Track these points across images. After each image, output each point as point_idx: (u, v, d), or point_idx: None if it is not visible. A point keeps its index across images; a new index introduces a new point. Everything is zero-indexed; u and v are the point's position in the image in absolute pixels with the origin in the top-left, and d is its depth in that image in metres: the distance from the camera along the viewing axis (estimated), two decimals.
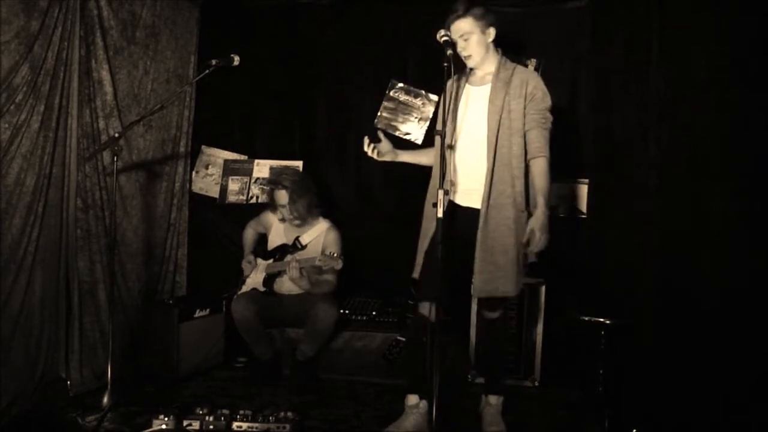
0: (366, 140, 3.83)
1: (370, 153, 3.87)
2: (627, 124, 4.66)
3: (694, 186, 3.98)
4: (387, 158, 3.93)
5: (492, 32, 3.75)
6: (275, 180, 4.99)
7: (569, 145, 5.31)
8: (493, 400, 3.97)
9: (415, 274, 3.81)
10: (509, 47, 5.30)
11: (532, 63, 5.32)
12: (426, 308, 3.75)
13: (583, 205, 5.23)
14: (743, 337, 3.69)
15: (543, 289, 4.79)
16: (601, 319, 4.11)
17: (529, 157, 3.72)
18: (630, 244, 4.54)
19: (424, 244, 3.79)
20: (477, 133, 3.71)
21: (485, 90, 3.75)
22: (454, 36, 3.66)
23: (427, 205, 3.79)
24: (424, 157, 4.06)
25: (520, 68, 3.83)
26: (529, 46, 5.35)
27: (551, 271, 4.90)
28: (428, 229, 3.74)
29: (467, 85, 3.81)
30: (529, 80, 3.75)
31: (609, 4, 4.91)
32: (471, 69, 3.81)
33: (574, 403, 4.46)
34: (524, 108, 3.69)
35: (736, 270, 3.72)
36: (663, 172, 4.23)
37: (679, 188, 4.09)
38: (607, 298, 4.56)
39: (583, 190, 5.23)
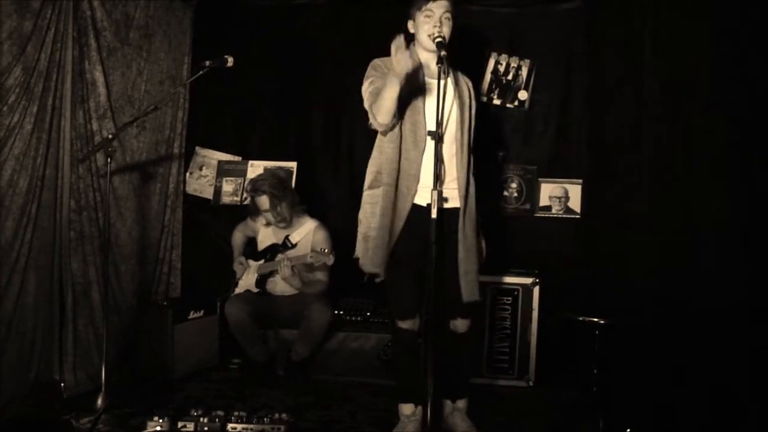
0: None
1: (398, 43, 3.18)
2: (621, 125, 4.67)
3: (688, 186, 3.99)
4: (408, 64, 3.24)
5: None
6: (254, 187, 4.98)
7: (563, 145, 5.34)
8: (461, 404, 3.90)
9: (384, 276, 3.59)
10: (502, 47, 5.36)
11: (526, 63, 5.34)
12: (408, 323, 3.69)
13: (577, 205, 5.24)
14: (738, 337, 3.70)
15: (537, 289, 4.79)
16: (596, 319, 4.11)
17: None
18: (624, 244, 4.55)
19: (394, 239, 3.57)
20: (447, 128, 3.57)
21: (447, 83, 3.58)
22: (436, 11, 3.53)
23: (392, 200, 3.60)
24: (395, 104, 3.45)
25: (458, 71, 3.82)
26: (522, 46, 5.37)
27: (545, 271, 4.92)
28: (398, 226, 3.57)
29: (426, 78, 3.62)
30: (472, 85, 3.84)
31: (603, 5, 4.93)
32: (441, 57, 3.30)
33: (568, 403, 4.46)
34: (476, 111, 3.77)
35: (730, 270, 3.74)
36: (657, 173, 4.25)
37: (672, 188, 4.11)
38: (601, 298, 4.57)
39: (577, 190, 5.24)
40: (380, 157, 3.71)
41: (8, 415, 3.95)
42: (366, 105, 3.63)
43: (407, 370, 3.75)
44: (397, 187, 3.61)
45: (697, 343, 3.91)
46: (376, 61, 3.73)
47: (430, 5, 3.56)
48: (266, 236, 5.13)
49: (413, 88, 3.55)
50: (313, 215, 5.13)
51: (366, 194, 3.76)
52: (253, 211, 5.09)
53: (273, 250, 5.04)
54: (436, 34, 3.43)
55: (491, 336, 4.84)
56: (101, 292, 4.46)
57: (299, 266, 4.85)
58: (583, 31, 5.16)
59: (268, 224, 5.08)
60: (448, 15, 3.56)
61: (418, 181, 3.57)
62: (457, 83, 3.69)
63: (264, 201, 4.91)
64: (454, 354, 3.81)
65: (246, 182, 5.60)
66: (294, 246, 4.99)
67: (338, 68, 5.56)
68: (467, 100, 3.70)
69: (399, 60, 3.19)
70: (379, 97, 3.48)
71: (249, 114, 5.77)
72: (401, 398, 3.86)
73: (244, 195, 5.45)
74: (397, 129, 3.62)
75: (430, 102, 3.48)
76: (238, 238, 5.26)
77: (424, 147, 3.54)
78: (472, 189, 3.70)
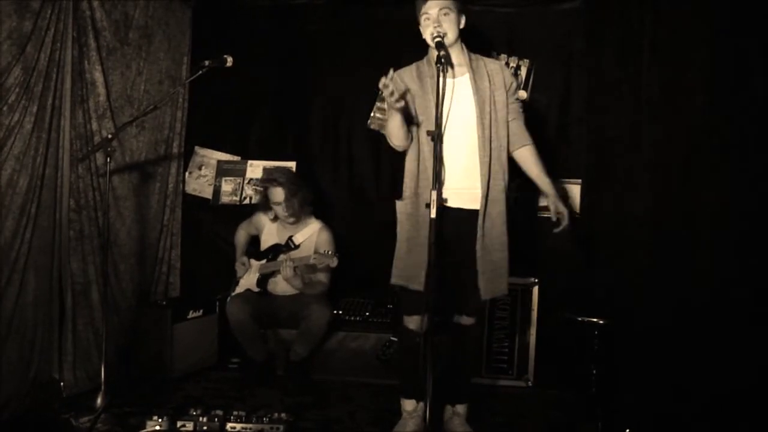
0: (383, 79, 3.24)
1: (387, 88, 3.26)
2: (620, 125, 4.67)
3: (687, 186, 3.99)
4: (396, 106, 3.35)
5: (463, 20, 3.67)
6: (270, 177, 4.99)
7: (562, 145, 5.34)
8: (461, 409, 3.92)
9: (419, 286, 3.51)
10: (502, 47, 5.36)
11: (525, 63, 5.34)
12: (414, 321, 3.73)
13: (576, 206, 5.24)
14: (736, 337, 3.70)
15: (536, 289, 4.80)
16: (595, 320, 4.12)
17: (517, 146, 3.78)
18: (623, 244, 4.55)
19: (424, 250, 3.35)
20: (465, 127, 3.63)
21: (464, 81, 3.66)
22: (432, 12, 3.56)
23: (418, 209, 3.63)
24: (403, 132, 3.60)
25: (486, 58, 3.81)
26: (522, 46, 5.37)
27: (544, 272, 4.92)
28: (424, 235, 3.43)
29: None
30: (503, 70, 3.80)
31: (602, 5, 4.93)
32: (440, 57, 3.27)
33: (567, 403, 4.47)
34: (507, 98, 3.73)
35: (729, 270, 3.73)
36: (655, 173, 4.24)
37: (671, 188, 4.10)
38: (601, 298, 4.57)
39: (576, 190, 5.24)
40: (407, 168, 3.75)
41: (8, 414, 3.95)
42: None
43: (410, 367, 3.74)
44: (416, 199, 3.66)
45: (696, 343, 3.91)
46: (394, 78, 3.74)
47: (425, 8, 3.60)
48: (270, 235, 5.14)
49: (420, 98, 3.64)
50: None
51: (396, 204, 3.80)
52: (262, 205, 5.10)
53: (275, 250, 5.04)
54: (435, 35, 3.45)
55: (490, 336, 4.85)
56: (101, 291, 4.46)
57: (302, 267, 4.85)
58: (583, 30, 5.16)
59: (275, 219, 5.08)
60: (446, 11, 3.58)
61: (443, 184, 3.52)
62: (476, 76, 3.67)
63: (278, 192, 4.91)
64: (455, 350, 3.82)
65: (245, 182, 5.62)
66: (297, 247, 4.99)
67: (337, 68, 5.58)
68: (487, 92, 3.66)
69: (388, 97, 3.29)
70: (386, 127, 3.62)
71: (248, 114, 5.77)
72: (403, 394, 3.88)
73: (258, 187, 5.40)
74: (414, 138, 3.68)
75: (446, 103, 3.48)
76: (241, 236, 5.26)
77: (442, 148, 3.52)
78: (497, 186, 3.68)
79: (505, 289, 3.74)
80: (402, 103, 3.35)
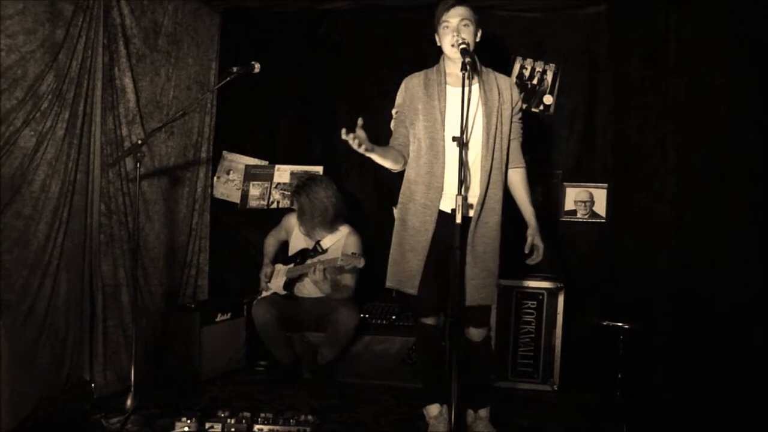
0: (344, 131, 3.34)
1: (349, 140, 3.36)
2: (645, 130, 4.66)
3: (712, 191, 3.97)
4: (362, 149, 3.41)
5: (479, 34, 3.71)
6: (295, 191, 5.07)
7: (588, 149, 5.34)
8: (483, 412, 3.92)
9: (412, 290, 3.68)
10: (527, 51, 5.37)
11: (551, 68, 5.34)
12: (430, 320, 3.80)
13: (602, 210, 5.24)
14: (763, 342, 3.68)
15: (562, 293, 4.80)
16: (620, 324, 4.11)
17: (512, 166, 3.81)
18: (648, 248, 4.54)
19: (418, 256, 3.68)
20: (471, 137, 3.64)
21: (474, 92, 3.65)
22: (453, 20, 3.59)
23: (412, 216, 3.71)
24: (388, 161, 3.72)
25: (497, 73, 3.82)
26: (547, 51, 5.38)
27: (570, 275, 4.92)
28: (420, 241, 3.67)
29: (447, 87, 3.70)
30: (512, 87, 3.82)
31: (627, 10, 4.92)
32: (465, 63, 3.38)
33: (592, 407, 4.47)
34: (511, 115, 3.76)
35: (754, 275, 3.72)
36: (680, 177, 4.23)
37: (696, 193, 4.09)
38: (626, 302, 4.56)
39: (602, 194, 5.24)
40: (405, 175, 3.83)
41: (40, 415, 4.02)
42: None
43: (430, 364, 3.84)
44: (411, 205, 3.73)
45: (722, 348, 3.90)
46: (402, 86, 3.87)
47: (446, 16, 3.64)
48: (298, 239, 5.18)
49: (425, 105, 3.69)
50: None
51: (393, 211, 3.94)
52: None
53: (303, 255, 5.08)
54: (460, 41, 3.48)
55: (516, 340, 4.86)
56: (130, 294, 4.52)
57: (330, 269, 4.88)
58: (608, 35, 5.16)
59: None
60: (466, 22, 3.61)
61: (442, 190, 3.65)
62: (486, 87, 3.70)
63: (293, 214, 5.08)
64: (471, 363, 3.83)
65: (273, 186, 5.68)
66: (325, 251, 5.03)
67: (363, 74, 5.61)
68: (496, 105, 3.68)
69: (355, 147, 3.38)
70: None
71: (275, 118, 5.83)
72: (426, 400, 3.90)
73: (285, 192, 5.50)
74: (414, 150, 3.75)
75: (451, 111, 3.57)
76: (270, 243, 5.29)
77: (444, 159, 3.62)
78: (495, 196, 3.70)
79: (491, 299, 3.74)
80: (367, 149, 3.42)
